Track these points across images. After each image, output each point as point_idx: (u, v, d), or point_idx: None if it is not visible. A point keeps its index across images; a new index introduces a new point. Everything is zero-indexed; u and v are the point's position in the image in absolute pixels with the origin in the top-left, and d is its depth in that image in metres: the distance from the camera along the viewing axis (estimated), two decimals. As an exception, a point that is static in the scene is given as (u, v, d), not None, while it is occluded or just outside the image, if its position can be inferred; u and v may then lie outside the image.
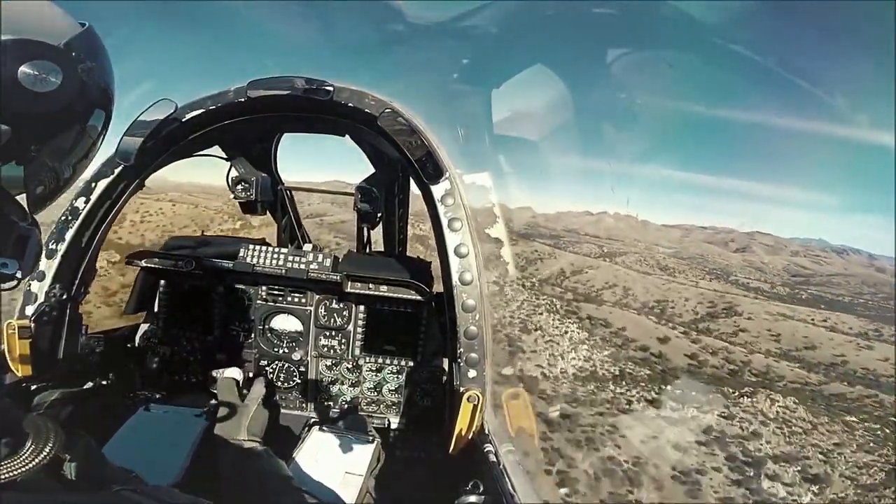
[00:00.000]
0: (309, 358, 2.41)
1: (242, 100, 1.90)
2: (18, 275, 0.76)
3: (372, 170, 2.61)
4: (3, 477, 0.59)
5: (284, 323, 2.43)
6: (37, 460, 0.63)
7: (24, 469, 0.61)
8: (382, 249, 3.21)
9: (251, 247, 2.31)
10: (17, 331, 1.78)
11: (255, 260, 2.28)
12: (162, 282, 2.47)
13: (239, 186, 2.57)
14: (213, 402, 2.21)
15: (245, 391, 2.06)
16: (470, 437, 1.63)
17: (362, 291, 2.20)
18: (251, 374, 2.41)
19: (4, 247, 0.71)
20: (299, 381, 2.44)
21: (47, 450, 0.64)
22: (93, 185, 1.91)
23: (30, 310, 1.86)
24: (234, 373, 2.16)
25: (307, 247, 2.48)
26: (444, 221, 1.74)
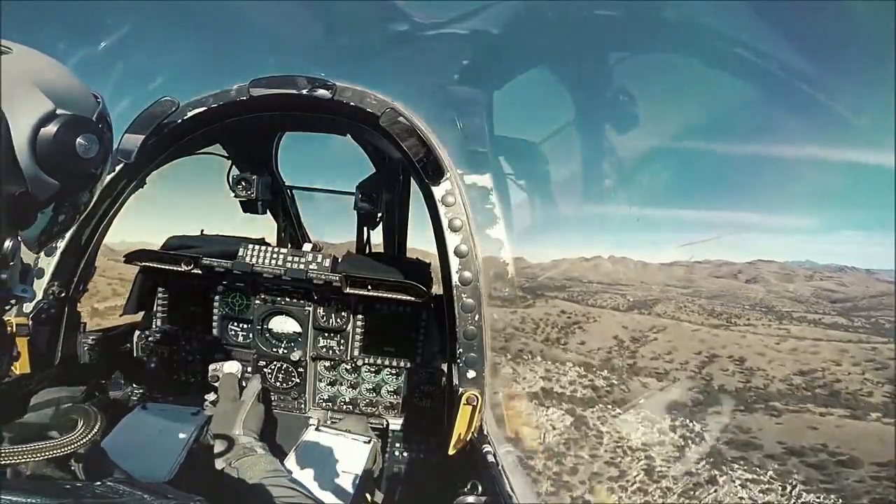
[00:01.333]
0: (307, 359, 2.40)
1: (244, 98, 1.90)
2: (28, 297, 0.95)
3: (373, 169, 2.61)
4: (60, 452, 0.73)
5: (283, 323, 2.42)
6: (87, 438, 0.77)
7: (78, 444, 0.76)
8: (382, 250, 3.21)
9: (250, 246, 2.31)
10: (14, 328, 1.78)
11: (254, 260, 2.28)
12: (161, 281, 2.46)
13: (239, 185, 2.57)
14: (211, 398, 2.21)
15: (243, 387, 2.06)
16: (469, 438, 1.63)
17: (361, 293, 2.19)
18: (247, 371, 2.40)
19: (22, 277, 0.85)
20: (298, 382, 2.43)
21: (95, 430, 0.79)
22: None
23: (28, 307, 1.85)
24: (232, 366, 2.16)
25: (307, 246, 2.48)
26: (445, 222, 1.74)
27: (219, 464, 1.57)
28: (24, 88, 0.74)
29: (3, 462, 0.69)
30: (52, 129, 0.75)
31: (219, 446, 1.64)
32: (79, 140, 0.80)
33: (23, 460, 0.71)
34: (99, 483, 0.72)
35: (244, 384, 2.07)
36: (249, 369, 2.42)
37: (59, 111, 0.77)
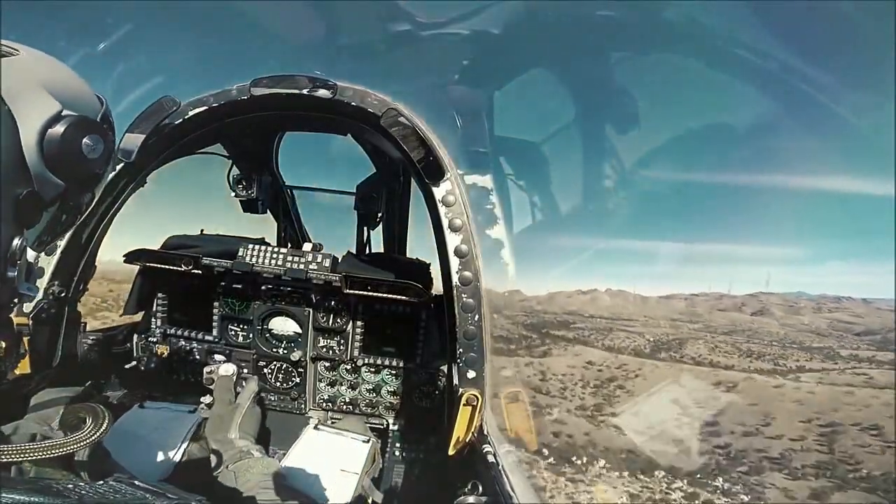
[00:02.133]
0: (307, 359, 2.40)
1: (245, 98, 1.90)
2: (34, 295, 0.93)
3: (373, 169, 2.61)
4: (69, 449, 0.75)
5: (283, 324, 2.42)
6: (96, 436, 0.80)
7: (87, 442, 0.78)
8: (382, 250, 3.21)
9: (251, 246, 2.31)
10: (14, 328, 1.77)
11: (254, 260, 2.28)
12: (161, 281, 2.46)
13: (240, 185, 2.57)
14: (207, 399, 2.20)
15: (239, 389, 2.06)
16: (469, 438, 1.63)
17: (361, 293, 2.19)
18: (245, 371, 2.40)
19: (26, 276, 0.85)
20: (298, 382, 2.43)
21: (104, 427, 0.82)
22: None
23: (28, 307, 1.85)
24: (227, 368, 2.15)
25: (306, 246, 2.48)
26: (445, 222, 1.74)
27: (214, 465, 1.57)
28: (31, 90, 0.75)
29: (12, 460, 0.69)
30: (59, 129, 0.76)
31: (215, 449, 1.63)
32: (85, 140, 0.81)
33: (31, 458, 0.71)
34: (101, 482, 0.72)
35: (241, 386, 2.06)
36: (248, 370, 2.42)
37: (65, 112, 0.78)
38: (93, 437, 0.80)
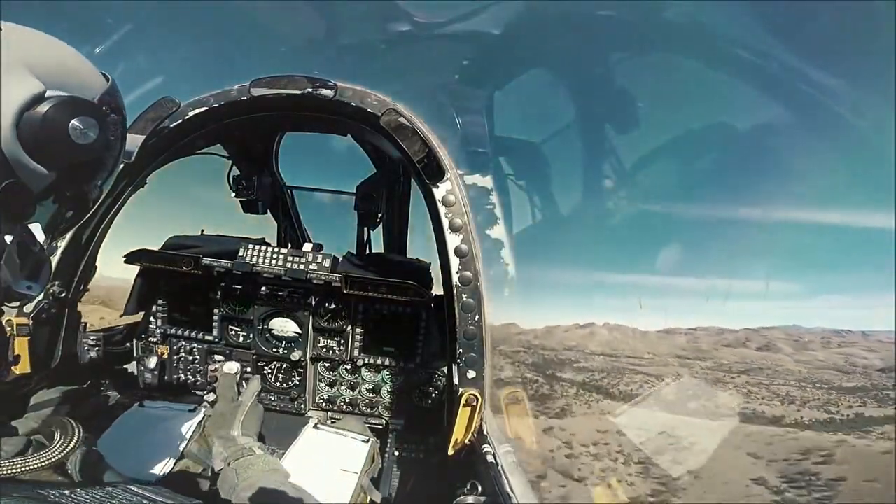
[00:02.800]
0: (307, 359, 2.40)
1: (245, 98, 1.90)
2: (36, 294, 0.85)
3: (373, 169, 2.61)
4: (34, 466, 0.72)
5: (283, 324, 2.42)
6: (63, 453, 0.76)
7: (53, 460, 0.75)
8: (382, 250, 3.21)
9: (251, 247, 2.31)
10: (15, 328, 1.78)
11: (254, 260, 2.28)
12: (161, 281, 2.46)
13: (240, 185, 2.57)
14: (209, 398, 2.21)
15: (242, 387, 2.06)
16: (468, 438, 1.63)
17: (361, 293, 2.19)
18: (247, 370, 2.40)
19: (27, 272, 0.80)
20: (297, 382, 2.43)
21: (73, 443, 0.78)
22: None
23: (29, 307, 1.85)
24: (231, 367, 2.16)
25: (307, 247, 2.48)
26: (445, 222, 1.74)
27: (217, 464, 1.57)
28: (10, 69, 0.68)
29: None
30: (39, 111, 0.69)
31: (217, 446, 1.63)
32: (72, 123, 0.73)
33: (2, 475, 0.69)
34: (98, 488, 0.71)
35: (243, 385, 2.07)
36: (249, 369, 2.42)
37: (49, 93, 0.71)
38: (59, 456, 0.77)
